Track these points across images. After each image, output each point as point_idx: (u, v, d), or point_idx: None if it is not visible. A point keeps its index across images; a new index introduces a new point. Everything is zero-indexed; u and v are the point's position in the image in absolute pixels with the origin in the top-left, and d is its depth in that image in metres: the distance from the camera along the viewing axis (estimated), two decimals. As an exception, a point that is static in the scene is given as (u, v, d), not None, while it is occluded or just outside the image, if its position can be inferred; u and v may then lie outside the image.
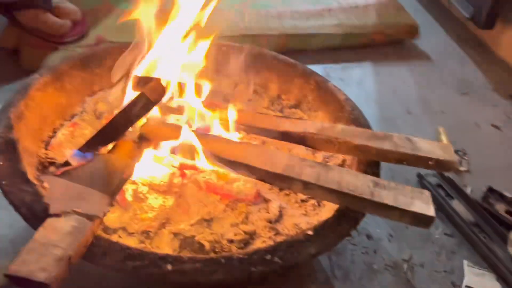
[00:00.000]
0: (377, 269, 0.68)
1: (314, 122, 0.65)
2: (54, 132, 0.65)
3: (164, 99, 0.56)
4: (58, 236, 0.42)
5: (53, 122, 0.66)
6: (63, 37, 1.00)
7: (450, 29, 1.31)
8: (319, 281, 0.65)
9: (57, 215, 0.44)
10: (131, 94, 0.56)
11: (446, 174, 0.82)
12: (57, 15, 1.00)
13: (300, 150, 0.67)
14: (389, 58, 1.18)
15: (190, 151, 0.55)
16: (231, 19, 1.08)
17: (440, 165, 0.60)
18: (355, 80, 1.09)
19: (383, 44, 1.20)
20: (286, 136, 0.62)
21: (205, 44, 0.65)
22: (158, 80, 0.55)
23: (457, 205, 0.78)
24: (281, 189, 0.63)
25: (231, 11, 1.12)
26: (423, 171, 0.82)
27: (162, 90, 0.55)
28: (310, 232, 0.50)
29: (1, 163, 0.49)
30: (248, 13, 1.13)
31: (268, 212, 0.60)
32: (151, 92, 0.53)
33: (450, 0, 1.30)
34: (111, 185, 0.50)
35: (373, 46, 1.19)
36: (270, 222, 0.59)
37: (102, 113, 0.71)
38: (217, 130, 0.62)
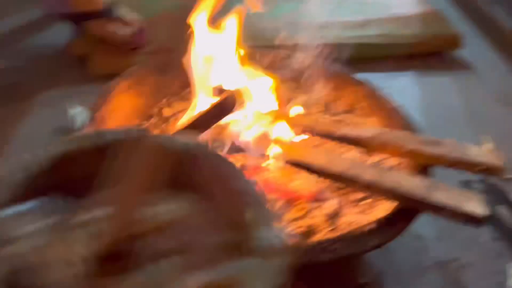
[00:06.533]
0: (426, 267, 0.72)
1: (370, 128, 0.70)
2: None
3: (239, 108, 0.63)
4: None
5: (134, 122, 0.73)
6: (126, 45, 1.08)
7: (494, 40, 1.33)
8: (370, 275, 0.69)
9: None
10: (205, 101, 0.62)
11: (491, 181, 0.85)
12: (120, 25, 1.09)
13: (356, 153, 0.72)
14: (432, 68, 1.21)
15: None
16: (278, 29, 1.14)
17: (490, 170, 0.64)
18: (397, 89, 1.12)
19: (425, 54, 1.23)
20: (343, 139, 0.67)
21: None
22: (237, 90, 0.62)
23: (503, 211, 0.81)
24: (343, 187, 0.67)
25: (278, 21, 1.18)
26: (469, 177, 0.85)
27: (239, 99, 0.61)
28: (373, 226, 0.55)
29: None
30: (293, 24, 1.18)
31: (326, 209, 0.66)
32: (230, 100, 0.59)
33: (494, 11, 1.32)
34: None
35: (416, 56, 1.22)
36: (328, 218, 0.64)
37: (168, 118, 0.79)
38: (281, 132, 0.67)
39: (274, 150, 0.61)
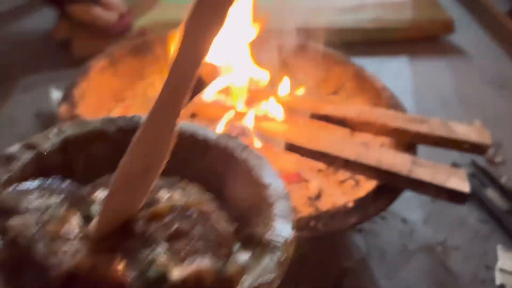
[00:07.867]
0: (412, 250, 0.70)
1: (355, 106, 0.68)
2: (109, 113, 0.71)
3: (217, 81, 0.61)
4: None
5: (108, 104, 0.71)
6: (110, 30, 1.06)
7: (486, 24, 1.31)
8: (355, 258, 0.68)
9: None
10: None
11: (479, 164, 0.84)
12: (104, 9, 1.06)
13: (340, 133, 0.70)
14: (425, 53, 1.20)
15: (240, 130, 0.59)
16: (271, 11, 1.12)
17: (475, 148, 0.62)
18: (391, 74, 1.11)
19: (419, 39, 1.21)
20: (327, 119, 0.65)
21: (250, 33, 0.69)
22: (212, 64, 0.59)
23: (491, 194, 0.79)
24: (325, 169, 0.66)
25: (271, 4, 1.16)
26: (457, 160, 0.83)
27: (215, 73, 0.59)
28: (350, 204, 0.53)
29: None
30: (285, 8, 1.16)
31: (307, 191, 0.64)
32: (205, 74, 0.57)
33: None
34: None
35: (409, 41, 1.20)
36: (310, 199, 0.63)
37: (151, 97, 0.77)
38: (261, 110, 0.65)
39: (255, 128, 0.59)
